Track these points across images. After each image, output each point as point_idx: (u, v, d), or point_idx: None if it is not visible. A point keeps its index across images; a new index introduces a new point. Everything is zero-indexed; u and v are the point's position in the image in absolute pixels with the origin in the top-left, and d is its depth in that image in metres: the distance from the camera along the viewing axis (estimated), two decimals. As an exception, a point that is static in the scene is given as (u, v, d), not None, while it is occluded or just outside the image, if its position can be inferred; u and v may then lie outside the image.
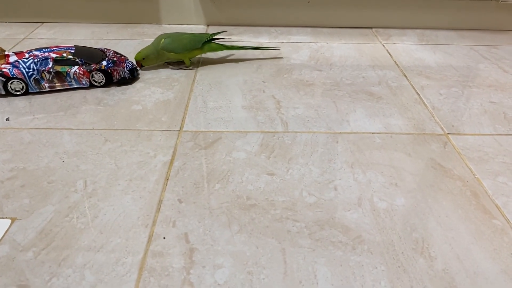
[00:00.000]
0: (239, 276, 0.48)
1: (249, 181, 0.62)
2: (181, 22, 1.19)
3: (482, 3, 1.17)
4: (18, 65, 0.81)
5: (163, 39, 0.91)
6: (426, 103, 0.83)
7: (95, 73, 0.84)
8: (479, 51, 1.07)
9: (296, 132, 0.74)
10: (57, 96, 0.82)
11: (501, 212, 0.58)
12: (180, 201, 0.58)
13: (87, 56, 0.84)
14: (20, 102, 0.80)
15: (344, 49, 1.07)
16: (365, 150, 0.69)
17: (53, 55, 0.82)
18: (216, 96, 0.84)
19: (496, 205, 0.59)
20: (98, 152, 0.67)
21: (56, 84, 0.83)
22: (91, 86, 0.85)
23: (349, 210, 0.57)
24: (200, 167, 0.65)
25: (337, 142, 0.71)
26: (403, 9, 1.18)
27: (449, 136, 0.73)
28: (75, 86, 0.85)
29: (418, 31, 1.19)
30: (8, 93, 0.82)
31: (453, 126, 0.76)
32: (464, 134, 0.74)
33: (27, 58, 0.82)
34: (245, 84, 0.89)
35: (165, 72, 0.93)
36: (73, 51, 0.84)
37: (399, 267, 0.50)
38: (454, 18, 1.19)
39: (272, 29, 1.18)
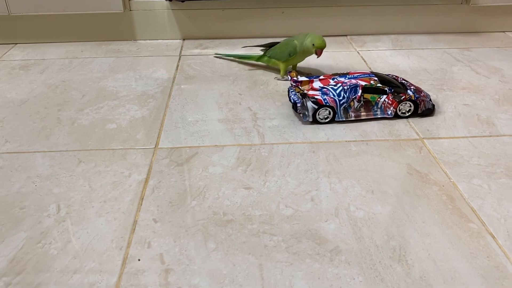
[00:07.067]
0: (216, 295, 0.47)
1: (225, 196, 0.62)
2: (157, 37, 1.19)
3: (454, 6, 1.18)
4: (327, 92, 0.77)
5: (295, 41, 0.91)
6: (401, 108, 0.84)
7: (404, 103, 0.78)
8: (452, 54, 1.09)
9: (273, 143, 0.73)
10: (30, 118, 0.81)
11: (476, 215, 0.58)
12: (155, 220, 0.57)
13: (392, 84, 0.79)
14: (-9, 126, 0.79)
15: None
16: (341, 159, 0.69)
17: (362, 83, 0.77)
18: (192, 110, 0.84)
19: (472, 208, 0.59)
20: (72, 174, 0.66)
21: (362, 114, 0.79)
22: (395, 116, 0.80)
23: (326, 221, 0.57)
24: (176, 184, 0.64)
25: (314, 152, 0.71)
26: (377, 15, 1.19)
27: (424, 140, 0.74)
28: (379, 116, 0.79)
29: (392, 36, 1.21)
30: (314, 121, 0.78)
31: (428, 130, 0.77)
32: (439, 138, 0.75)
33: (335, 85, 0.77)
34: (221, 97, 0.89)
35: (140, 88, 0.92)
36: (375, 78, 0.79)
37: (376, 276, 0.49)
38: (427, 22, 1.21)
39: (248, 40, 1.18)
